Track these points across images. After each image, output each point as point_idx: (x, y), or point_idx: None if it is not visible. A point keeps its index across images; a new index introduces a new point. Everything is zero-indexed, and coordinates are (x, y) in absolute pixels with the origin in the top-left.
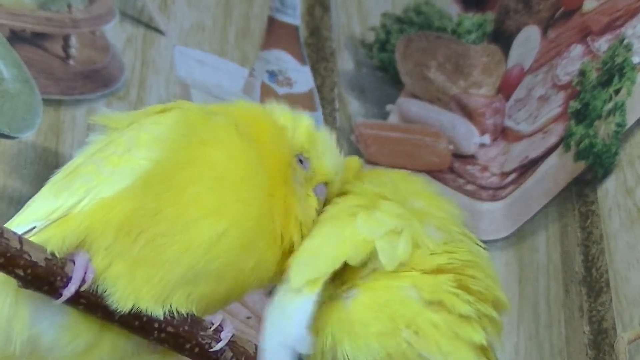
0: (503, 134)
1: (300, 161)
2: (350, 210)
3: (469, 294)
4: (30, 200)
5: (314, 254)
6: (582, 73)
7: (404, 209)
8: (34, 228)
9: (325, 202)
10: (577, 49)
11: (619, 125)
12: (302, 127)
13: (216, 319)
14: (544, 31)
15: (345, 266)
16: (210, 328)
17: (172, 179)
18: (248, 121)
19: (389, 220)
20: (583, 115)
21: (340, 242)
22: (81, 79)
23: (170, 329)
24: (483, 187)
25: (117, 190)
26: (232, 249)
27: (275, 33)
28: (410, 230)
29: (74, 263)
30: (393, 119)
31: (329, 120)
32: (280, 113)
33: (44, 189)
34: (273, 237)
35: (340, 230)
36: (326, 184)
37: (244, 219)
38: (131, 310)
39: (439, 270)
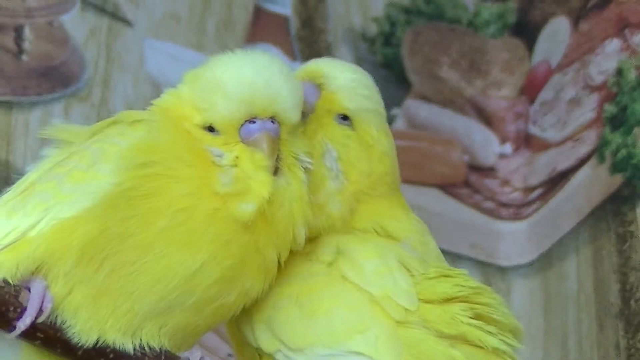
0: (527, 142)
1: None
2: (332, 270)
3: (489, 325)
4: None
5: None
6: (619, 72)
7: (372, 232)
8: None
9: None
10: (613, 44)
11: None
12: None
13: (194, 356)
14: (575, 23)
15: None
16: None
17: (137, 206)
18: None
19: (377, 262)
20: (620, 121)
21: (361, 316)
22: (36, 77)
23: None
24: (504, 204)
25: (80, 209)
26: (210, 285)
27: (262, 24)
28: (395, 257)
29: (29, 291)
30: (399, 124)
31: None
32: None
33: None
34: (256, 265)
35: (349, 300)
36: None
37: (222, 256)
38: (96, 344)
39: (446, 300)
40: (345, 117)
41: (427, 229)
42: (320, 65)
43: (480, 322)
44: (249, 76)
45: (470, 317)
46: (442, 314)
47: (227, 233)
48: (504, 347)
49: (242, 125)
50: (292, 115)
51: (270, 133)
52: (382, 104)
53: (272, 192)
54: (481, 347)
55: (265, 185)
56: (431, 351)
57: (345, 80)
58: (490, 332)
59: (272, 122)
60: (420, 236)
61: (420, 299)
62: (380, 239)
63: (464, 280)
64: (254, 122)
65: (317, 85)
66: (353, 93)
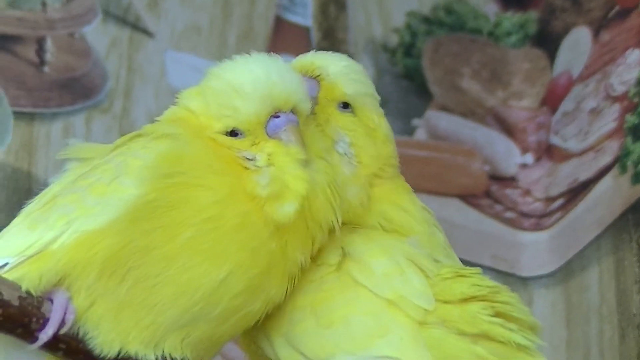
0: (548, 152)
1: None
2: (342, 274)
3: (509, 322)
4: (1, 233)
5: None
6: None
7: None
8: (6, 264)
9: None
10: (635, 54)
11: None
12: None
13: None
14: (596, 33)
15: None
16: None
17: (161, 217)
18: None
19: (387, 263)
20: None
21: (379, 322)
22: (57, 88)
23: None
24: (525, 215)
25: (103, 222)
26: (236, 295)
27: (283, 35)
28: (405, 256)
29: (52, 302)
30: (420, 135)
31: None
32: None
33: (16, 221)
34: (281, 271)
35: (363, 305)
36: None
37: (249, 265)
38: (118, 355)
39: (465, 300)
40: (345, 105)
41: (433, 218)
42: (312, 58)
43: (501, 320)
44: (262, 74)
45: (491, 315)
46: (462, 314)
47: (255, 240)
48: (527, 342)
49: (267, 121)
50: (306, 105)
51: (296, 124)
52: (374, 89)
53: (309, 187)
54: (504, 343)
55: (303, 182)
56: (454, 349)
57: (340, 67)
58: (511, 329)
59: (293, 114)
60: (427, 228)
61: (438, 300)
62: (386, 235)
63: (481, 279)
64: (279, 117)
65: (314, 78)
66: (349, 79)
